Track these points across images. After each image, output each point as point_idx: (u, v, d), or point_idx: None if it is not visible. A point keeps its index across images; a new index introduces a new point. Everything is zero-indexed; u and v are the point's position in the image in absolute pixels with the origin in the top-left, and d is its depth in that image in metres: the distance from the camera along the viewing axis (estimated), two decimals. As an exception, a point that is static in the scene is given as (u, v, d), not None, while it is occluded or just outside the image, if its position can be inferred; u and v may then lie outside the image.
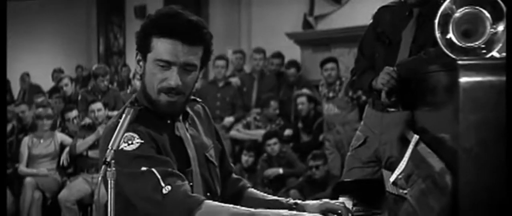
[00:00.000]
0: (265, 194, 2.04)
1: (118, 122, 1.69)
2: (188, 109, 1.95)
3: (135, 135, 1.73)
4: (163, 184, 1.67)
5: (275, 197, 2.00)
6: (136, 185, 1.70)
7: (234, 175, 2.11)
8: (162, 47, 1.75)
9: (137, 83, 6.90)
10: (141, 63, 1.83)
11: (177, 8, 1.81)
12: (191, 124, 1.95)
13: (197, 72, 1.83)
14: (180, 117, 1.90)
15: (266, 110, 6.34)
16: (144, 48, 1.80)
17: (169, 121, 1.87)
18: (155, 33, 1.77)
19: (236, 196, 2.03)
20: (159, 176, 1.68)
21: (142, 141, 1.73)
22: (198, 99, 2.08)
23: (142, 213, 1.73)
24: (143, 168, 1.69)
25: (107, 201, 1.56)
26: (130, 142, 1.71)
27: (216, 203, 1.74)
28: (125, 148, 1.70)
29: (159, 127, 1.82)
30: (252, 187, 2.10)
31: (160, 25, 1.77)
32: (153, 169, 1.69)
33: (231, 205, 1.73)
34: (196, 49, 1.79)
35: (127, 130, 1.65)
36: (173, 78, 1.76)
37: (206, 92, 6.58)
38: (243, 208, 1.73)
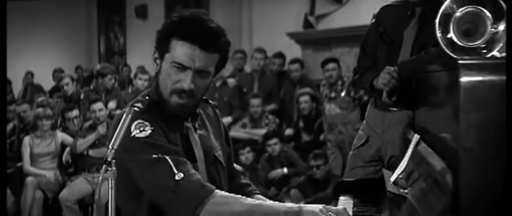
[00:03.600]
0: (267, 200, 2.01)
1: (136, 111, 1.72)
2: (199, 110, 1.98)
3: (146, 122, 1.75)
4: (175, 171, 1.69)
5: (278, 203, 2.00)
6: (148, 172, 1.71)
7: (242, 180, 2.13)
8: (180, 50, 1.78)
9: (138, 83, 6.90)
10: (158, 61, 1.86)
11: (199, 12, 1.84)
12: (201, 125, 1.97)
13: (211, 78, 1.86)
14: (189, 118, 1.92)
15: (251, 109, 6.35)
16: (162, 48, 1.82)
17: (177, 120, 1.89)
18: (175, 35, 1.79)
19: None
20: (171, 163, 1.70)
21: (153, 129, 1.75)
22: (210, 100, 2.12)
23: (155, 200, 1.74)
24: (155, 156, 1.71)
25: (107, 200, 1.56)
26: (141, 128, 1.73)
27: (228, 193, 1.76)
28: (136, 135, 1.72)
29: (169, 122, 1.84)
30: (258, 192, 2.11)
31: (182, 28, 1.79)
32: (166, 156, 1.71)
33: (242, 197, 1.75)
34: (213, 56, 1.82)
35: (137, 118, 1.69)
36: (186, 81, 1.79)
37: None
38: (250, 199, 1.75)
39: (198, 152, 1.89)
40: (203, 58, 1.79)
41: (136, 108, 1.73)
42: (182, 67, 1.79)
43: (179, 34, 1.79)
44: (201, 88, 1.84)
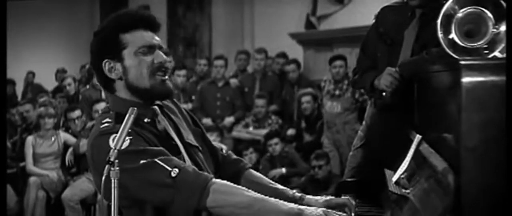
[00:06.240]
0: (270, 180, 2.06)
1: (107, 126, 1.74)
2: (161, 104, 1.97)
3: None
4: (169, 168, 1.69)
5: (281, 187, 2.03)
6: (142, 177, 1.70)
7: (233, 156, 2.12)
8: (138, 36, 1.82)
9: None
10: (117, 66, 1.83)
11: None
12: (168, 118, 1.96)
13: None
14: (158, 111, 1.90)
15: (255, 109, 6.36)
16: (116, 50, 1.82)
17: (148, 120, 1.86)
18: (122, 30, 1.81)
19: (235, 177, 2.03)
20: (162, 163, 1.70)
21: (131, 137, 1.73)
22: None
23: (156, 201, 1.73)
24: (143, 161, 1.70)
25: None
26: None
27: (227, 182, 1.76)
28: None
29: (141, 126, 1.82)
30: (250, 166, 2.11)
31: (126, 21, 1.82)
32: (154, 159, 1.71)
33: (243, 187, 1.75)
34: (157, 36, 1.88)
35: (112, 133, 1.68)
36: (159, 56, 1.83)
37: (206, 92, 6.60)
38: (252, 192, 1.74)
39: (177, 141, 1.89)
40: (155, 37, 1.85)
41: (106, 124, 1.75)
42: (149, 48, 1.82)
43: (126, 26, 1.81)
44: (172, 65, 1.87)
